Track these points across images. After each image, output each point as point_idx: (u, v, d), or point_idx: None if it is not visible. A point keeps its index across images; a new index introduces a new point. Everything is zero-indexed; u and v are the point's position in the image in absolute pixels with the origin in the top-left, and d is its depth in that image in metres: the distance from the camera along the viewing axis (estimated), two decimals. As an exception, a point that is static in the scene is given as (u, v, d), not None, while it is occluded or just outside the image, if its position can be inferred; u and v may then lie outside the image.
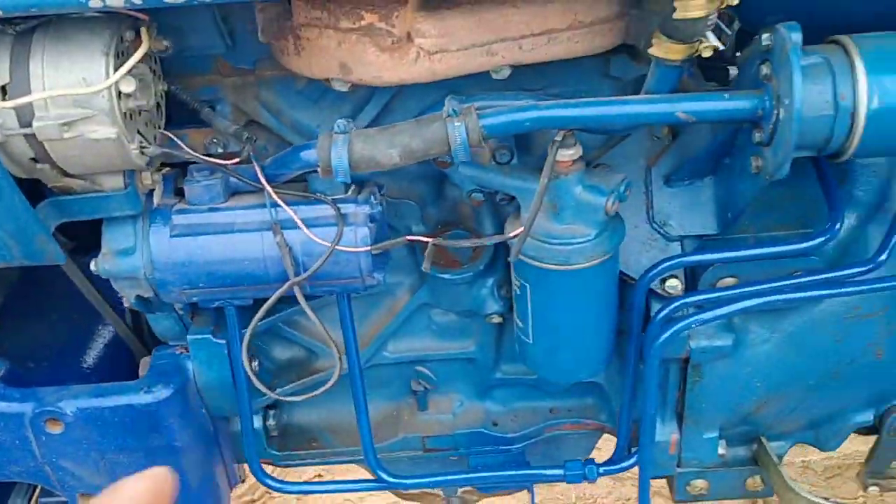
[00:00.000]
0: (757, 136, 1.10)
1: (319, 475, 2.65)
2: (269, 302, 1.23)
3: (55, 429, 1.35)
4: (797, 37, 1.03)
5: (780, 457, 1.59)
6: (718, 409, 1.46)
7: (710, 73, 1.26)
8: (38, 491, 1.62)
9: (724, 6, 1.03)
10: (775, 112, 1.06)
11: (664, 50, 1.08)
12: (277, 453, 1.59)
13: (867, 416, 1.53)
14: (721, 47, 1.06)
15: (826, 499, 1.52)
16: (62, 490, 1.43)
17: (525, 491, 1.64)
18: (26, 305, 1.52)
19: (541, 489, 2.77)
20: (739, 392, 1.44)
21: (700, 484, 1.61)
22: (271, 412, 1.57)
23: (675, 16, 1.02)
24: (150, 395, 1.34)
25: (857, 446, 2.15)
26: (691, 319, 1.29)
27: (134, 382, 1.36)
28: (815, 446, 1.59)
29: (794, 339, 1.41)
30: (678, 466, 1.55)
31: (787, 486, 1.52)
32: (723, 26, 1.09)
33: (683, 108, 1.10)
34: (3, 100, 1.03)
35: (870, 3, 1.14)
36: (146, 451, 1.37)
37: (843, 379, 1.45)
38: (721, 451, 1.52)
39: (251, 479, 1.67)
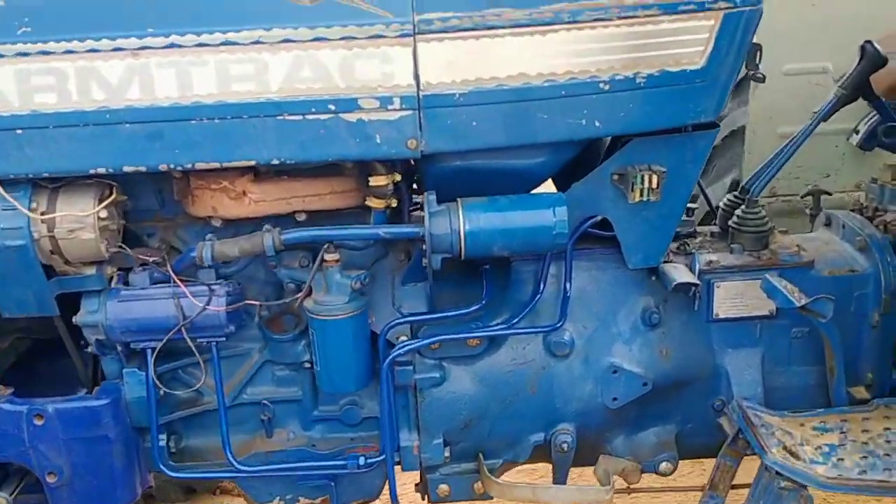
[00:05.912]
0: (423, 247, 2.18)
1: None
2: (166, 338, 2.23)
3: (39, 421, 2.28)
4: (432, 197, 2.14)
5: (492, 470, 2.50)
6: (439, 422, 2.41)
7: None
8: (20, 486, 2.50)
9: (395, 182, 2.16)
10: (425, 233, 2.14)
11: (373, 203, 2.19)
12: (174, 464, 2.48)
13: (539, 437, 2.48)
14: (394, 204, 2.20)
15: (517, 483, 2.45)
16: (36, 468, 2.33)
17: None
18: (31, 360, 2.52)
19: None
20: (450, 410, 2.41)
21: (444, 488, 2.53)
22: (172, 435, 2.49)
23: (371, 183, 2.14)
24: (97, 401, 2.30)
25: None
26: (395, 351, 2.30)
27: (88, 395, 2.33)
28: (514, 461, 2.52)
29: (480, 376, 2.41)
30: (422, 469, 2.48)
31: (491, 481, 2.46)
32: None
33: (383, 231, 2.20)
34: (42, 217, 2.10)
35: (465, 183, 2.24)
36: (90, 440, 2.30)
37: (514, 406, 2.43)
38: (446, 454, 2.44)
39: None
